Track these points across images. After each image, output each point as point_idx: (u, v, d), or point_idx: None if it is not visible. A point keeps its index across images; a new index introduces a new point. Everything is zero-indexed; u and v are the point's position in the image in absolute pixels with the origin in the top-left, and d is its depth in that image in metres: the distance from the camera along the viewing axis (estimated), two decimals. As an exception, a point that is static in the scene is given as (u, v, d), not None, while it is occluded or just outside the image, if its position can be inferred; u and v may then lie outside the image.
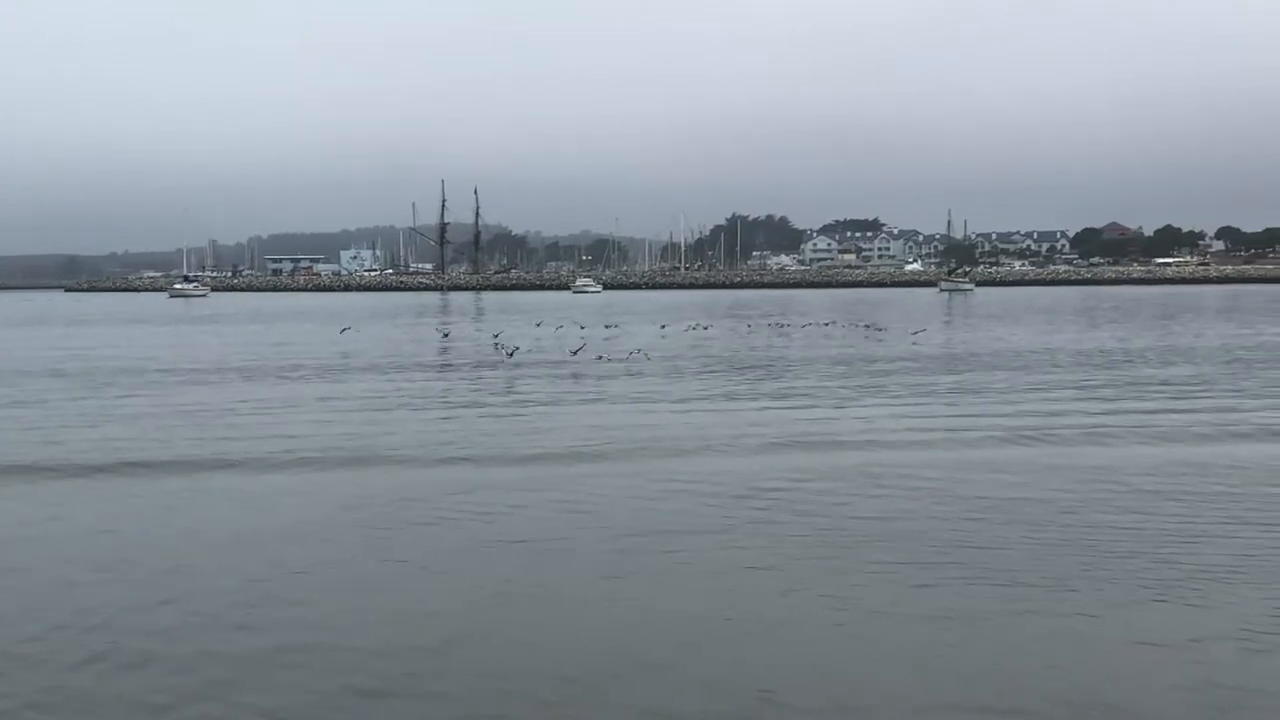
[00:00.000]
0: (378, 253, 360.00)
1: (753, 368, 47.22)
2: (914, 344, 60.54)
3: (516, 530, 17.92)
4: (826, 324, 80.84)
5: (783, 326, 79.06)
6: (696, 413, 32.05)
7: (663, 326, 77.06)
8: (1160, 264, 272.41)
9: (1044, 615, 13.38)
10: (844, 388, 38.26)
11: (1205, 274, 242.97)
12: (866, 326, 74.55)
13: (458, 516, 18.95)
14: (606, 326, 77.95)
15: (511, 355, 52.13)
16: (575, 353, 52.60)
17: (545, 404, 34.65)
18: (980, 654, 12.24)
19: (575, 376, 43.40)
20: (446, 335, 70.55)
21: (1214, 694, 11.12)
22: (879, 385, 39.06)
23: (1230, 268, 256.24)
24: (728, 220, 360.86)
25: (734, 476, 22.10)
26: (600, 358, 50.81)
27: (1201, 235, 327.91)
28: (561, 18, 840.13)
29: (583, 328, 76.08)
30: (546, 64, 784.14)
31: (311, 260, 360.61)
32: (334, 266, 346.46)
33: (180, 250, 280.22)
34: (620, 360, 49.83)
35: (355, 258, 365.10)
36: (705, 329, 74.86)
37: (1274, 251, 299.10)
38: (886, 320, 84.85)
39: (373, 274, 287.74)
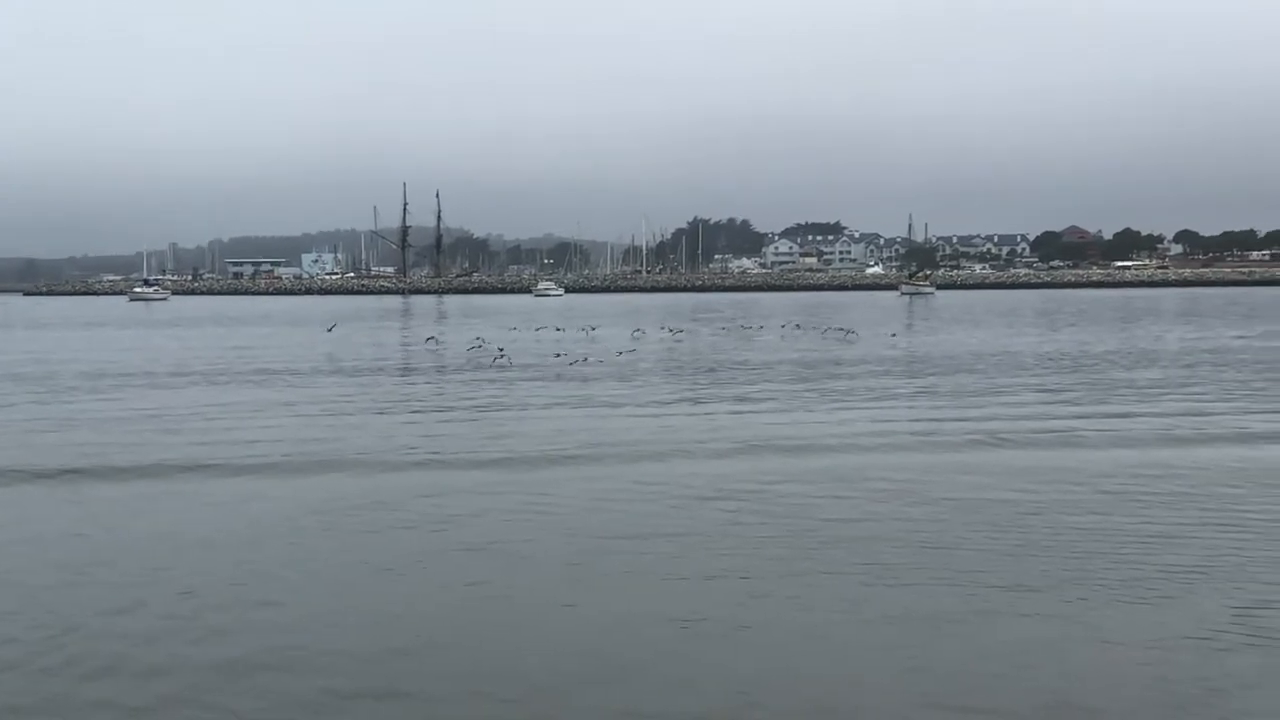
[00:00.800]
0: (339, 256, 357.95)
1: (729, 369, 47.76)
2: (891, 346, 61.75)
3: (485, 533, 17.96)
4: (797, 326, 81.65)
5: (760, 328, 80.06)
6: (673, 416, 32.25)
7: (635, 330, 77.40)
8: (1119, 267, 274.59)
9: (1009, 616, 13.52)
10: (813, 391, 38.57)
11: (1164, 277, 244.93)
12: (840, 330, 74.94)
13: (426, 520, 18.94)
14: (583, 330, 78.03)
15: (497, 360, 52.18)
16: (558, 355, 53.16)
17: (539, 406, 34.91)
18: (948, 655, 12.35)
19: (560, 378, 43.75)
20: (430, 339, 70.58)
21: (1176, 692, 11.29)
22: (853, 389, 39.37)
23: (1188, 271, 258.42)
24: (689, 223, 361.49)
25: (704, 479, 22.22)
26: (582, 360, 51.22)
27: (1160, 239, 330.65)
28: (521, 21, 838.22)
29: (559, 329, 77.09)
30: (507, 67, 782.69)
31: (273, 263, 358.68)
32: (295, 270, 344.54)
33: (140, 253, 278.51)
34: (600, 363, 50.22)
35: (317, 261, 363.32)
36: (679, 332, 75.66)
37: (1231, 255, 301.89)
38: (849, 322, 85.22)
39: (334, 277, 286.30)
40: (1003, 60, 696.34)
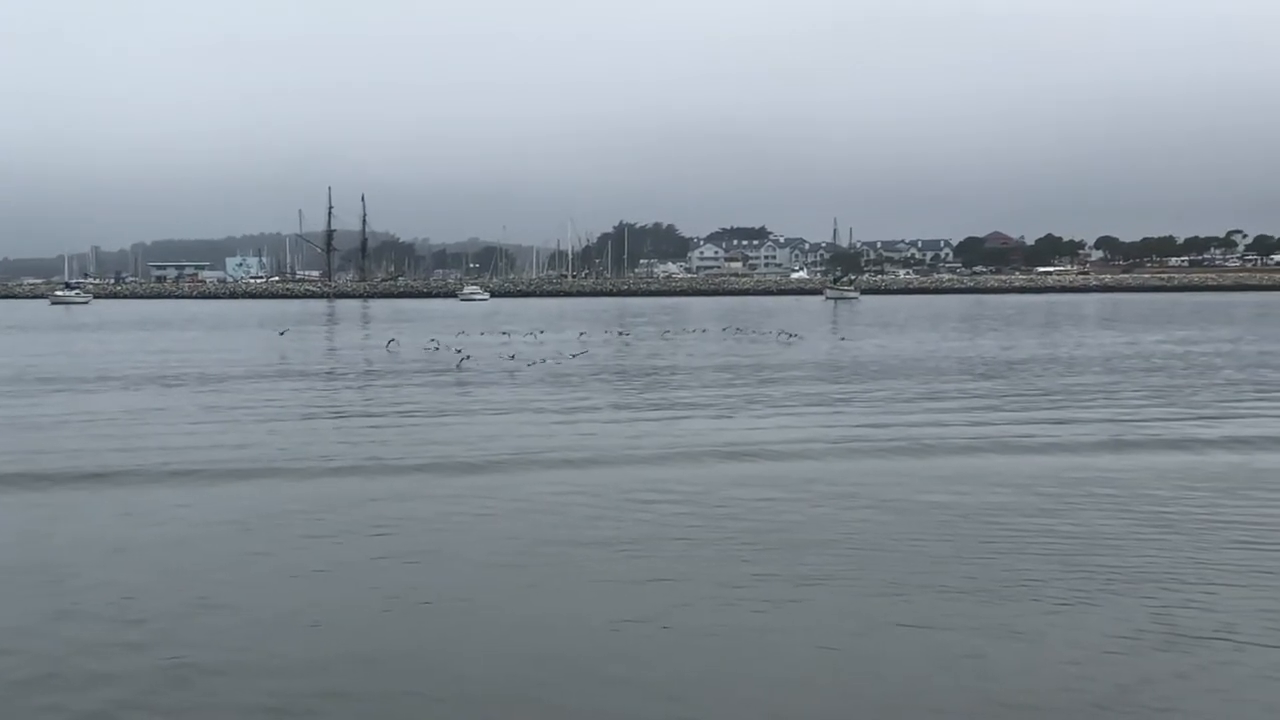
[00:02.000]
0: (264, 260, 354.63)
1: (678, 373, 48.18)
2: (838, 348, 63.93)
3: (421, 541, 17.94)
4: (738, 330, 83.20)
5: (703, 332, 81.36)
6: (643, 422, 32.32)
7: (581, 333, 78.78)
8: (1041, 273, 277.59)
9: (935, 618, 13.74)
10: (762, 394, 38.92)
11: (1085, 283, 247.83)
12: (782, 334, 76.49)
13: (360, 528, 18.87)
14: (529, 334, 78.79)
15: (462, 363, 52.57)
16: (512, 357, 54.16)
17: (493, 412, 34.93)
18: (876, 656, 12.55)
19: (526, 382, 44.04)
20: (392, 341, 70.93)
21: (1097, 692, 11.49)
22: (801, 394, 39.67)
23: (1109, 276, 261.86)
24: (615, 228, 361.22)
25: (650, 483, 22.40)
26: (540, 362, 52.39)
27: (1081, 244, 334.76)
28: (446, 23, 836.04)
29: (505, 334, 78.10)
30: (432, 70, 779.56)
31: (197, 267, 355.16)
32: (219, 273, 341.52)
33: (62, 257, 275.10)
34: (551, 364, 51.26)
35: (241, 264, 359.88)
36: (625, 335, 77.35)
37: (1150, 261, 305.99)
38: (777, 327, 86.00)
39: (259, 281, 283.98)
40: (926, 67, 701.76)
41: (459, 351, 56.19)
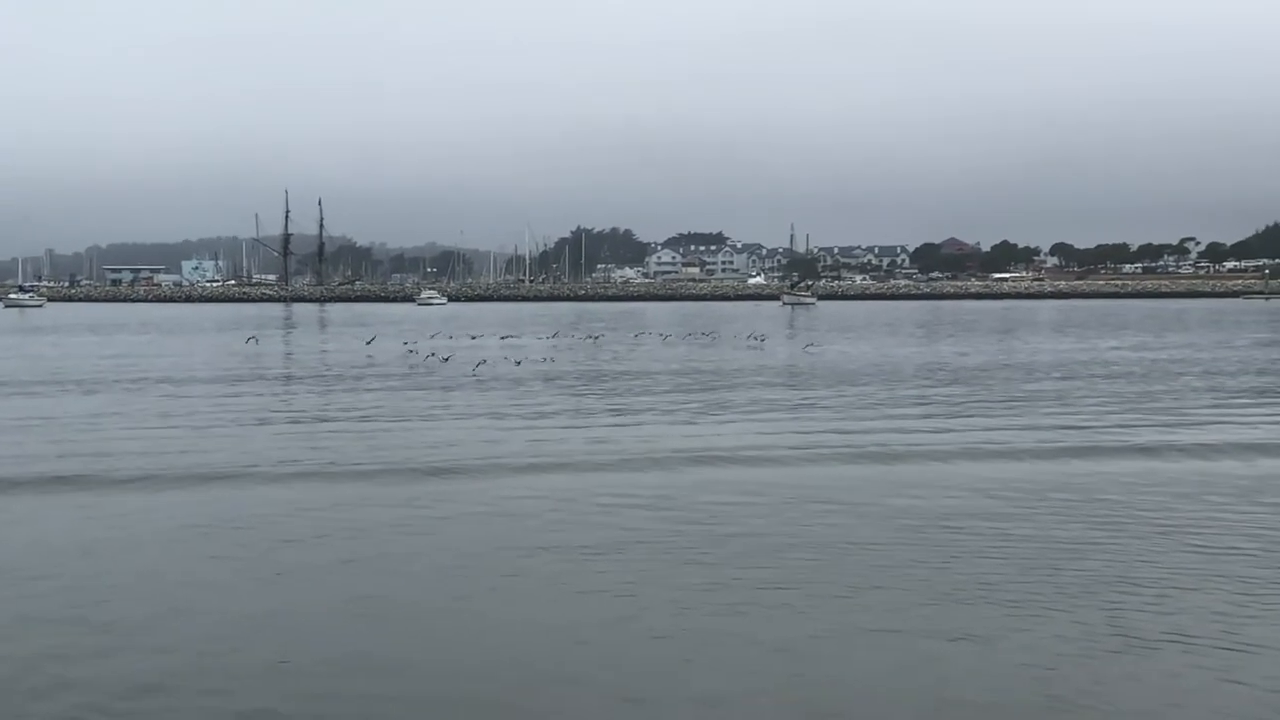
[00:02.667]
0: (220, 263, 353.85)
1: (647, 377, 48.32)
2: (799, 354, 64.72)
3: (383, 546, 17.98)
4: (704, 334, 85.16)
5: (668, 338, 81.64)
6: (603, 427, 32.39)
7: (555, 334, 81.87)
8: (997, 279, 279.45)
9: (890, 622, 13.92)
10: (723, 401, 39.11)
11: (1040, 289, 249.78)
12: (750, 337, 78.38)
13: (324, 533, 18.88)
14: (503, 338, 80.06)
15: (443, 360, 53.17)
16: (482, 362, 54.04)
17: (459, 416, 34.95)
18: (831, 661, 12.73)
19: (495, 388, 43.72)
20: (370, 342, 73.03)
21: (1053, 694, 11.70)
22: (763, 399, 39.95)
23: (1064, 283, 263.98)
24: (573, 233, 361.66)
25: (603, 489, 22.50)
26: (516, 365, 53.45)
27: (1036, 251, 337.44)
28: (403, 25, 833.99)
29: (473, 337, 79.05)
30: (390, 73, 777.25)
31: (152, 270, 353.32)
32: (175, 277, 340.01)
33: (15, 260, 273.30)
34: (528, 366, 52.04)
35: (197, 268, 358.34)
36: (598, 338, 79.25)
37: (1105, 267, 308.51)
38: (735, 331, 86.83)
39: (215, 285, 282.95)
40: (884, 73, 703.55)
41: (433, 354, 56.57)
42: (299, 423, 33.74)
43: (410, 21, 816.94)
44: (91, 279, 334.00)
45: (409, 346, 64.86)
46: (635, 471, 24.80)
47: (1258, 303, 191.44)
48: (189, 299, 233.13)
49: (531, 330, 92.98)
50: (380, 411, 36.05)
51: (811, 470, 24.88)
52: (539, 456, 26.88)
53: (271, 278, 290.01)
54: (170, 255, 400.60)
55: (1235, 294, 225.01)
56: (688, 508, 20.72)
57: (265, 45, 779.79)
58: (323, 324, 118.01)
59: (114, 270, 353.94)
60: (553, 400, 39.50)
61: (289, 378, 50.50)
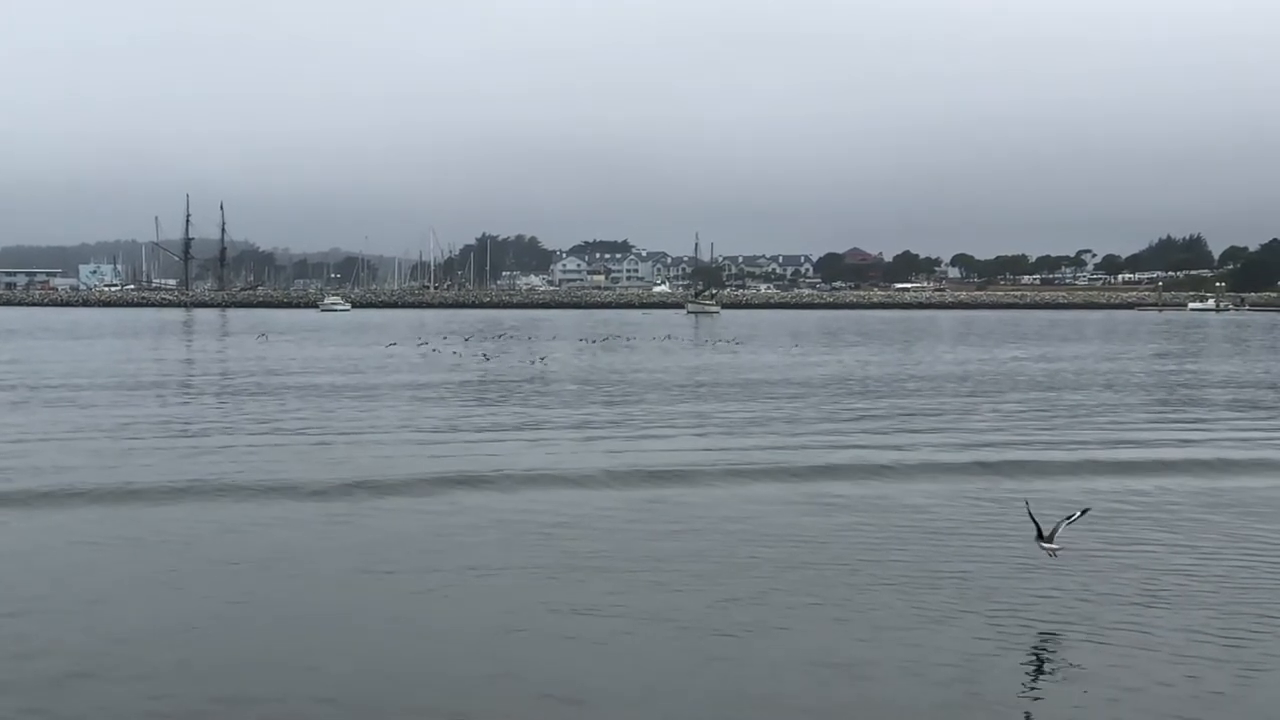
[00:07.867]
0: (119, 267, 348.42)
1: (618, 384, 48.19)
2: (706, 365, 65.41)
3: (302, 560, 18.31)
4: (668, 337, 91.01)
5: (628, 340, 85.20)
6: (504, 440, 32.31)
7: (500, 334, 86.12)
8: (899, 289, 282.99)
9: (803, 624, 14.63)
10: (629, 416, 39.67)
11: (941, 299, 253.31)
12: (728, 341, 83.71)
13: (246, 547, 19.14)
14: (466, 339, 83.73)
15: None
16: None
17: (380, 430, 34.59)
18: (752, 664, 13.29)
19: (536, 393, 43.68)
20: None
21: (937, 699, 12.39)
22: (674, 412, 40.46)
23: (964, 293, 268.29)
24: (478, 240, 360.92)
25: (508, 507, 22.93)
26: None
27: (938, 262, 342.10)
28: (309, 31, 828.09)
29: (422, 343, 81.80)
30: (293, 78, 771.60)
31: (48, 274, 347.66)
32: (73, 281, 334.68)
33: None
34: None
35: (95, 272, 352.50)
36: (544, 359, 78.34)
37: (1004, 278, 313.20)
38: (639, 336, 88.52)
39: (114, 289, 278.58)
40: (787, 84, 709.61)
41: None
42: (206, 435, 33.60)
43: (317, 29, 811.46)
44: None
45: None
46: (540, 489, 24.97)
47: (1151, 314, 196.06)
48: (86, 304, 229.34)
49: (454, 337, 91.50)
50: (306, 424, 35.69)
51: (721, 488, 25.41)
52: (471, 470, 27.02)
53: (172, 282, 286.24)
54: (67, 259, 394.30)
55: (1130, 305, 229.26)
56: (593, 521, 21.33)
57: (161, 49, 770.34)
58: (224, 330, 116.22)
59: (9, 274, 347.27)
60: (470, 413, 39.61)
61: (187, 388, 50.02)
